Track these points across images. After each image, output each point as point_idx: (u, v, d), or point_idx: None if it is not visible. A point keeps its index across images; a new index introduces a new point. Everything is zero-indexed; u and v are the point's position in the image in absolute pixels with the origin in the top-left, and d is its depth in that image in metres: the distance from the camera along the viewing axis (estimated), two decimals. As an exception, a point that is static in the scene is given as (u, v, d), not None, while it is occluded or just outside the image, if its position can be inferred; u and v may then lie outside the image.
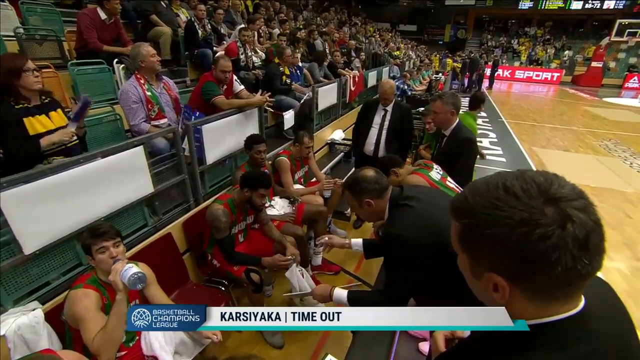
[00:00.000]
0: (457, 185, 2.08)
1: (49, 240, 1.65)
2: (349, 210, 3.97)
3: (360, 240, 1.82)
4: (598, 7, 20.33)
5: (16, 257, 1.55)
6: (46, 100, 1.95)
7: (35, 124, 1.86)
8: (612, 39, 18.10)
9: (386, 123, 3.19)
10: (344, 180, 1.57)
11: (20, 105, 1.82)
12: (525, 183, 0.50)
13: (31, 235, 1.57)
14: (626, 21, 17.88)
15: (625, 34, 17.92)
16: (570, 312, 0.51)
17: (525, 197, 0.49)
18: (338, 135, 5.17)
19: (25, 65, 1.80)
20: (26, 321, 1.54)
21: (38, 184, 1.57)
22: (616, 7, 19.75)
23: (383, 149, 3.27)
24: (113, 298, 1.46)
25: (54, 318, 1.63)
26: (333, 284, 1.78)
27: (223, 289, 2.37)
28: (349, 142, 5.20)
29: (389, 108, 3.19)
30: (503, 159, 6.39)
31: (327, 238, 1.90)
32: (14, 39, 3.16)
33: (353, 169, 4.80)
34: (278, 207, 2.97)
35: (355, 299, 1.48)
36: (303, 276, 2.36)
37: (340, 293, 1.50)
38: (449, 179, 2.06)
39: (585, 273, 0.47)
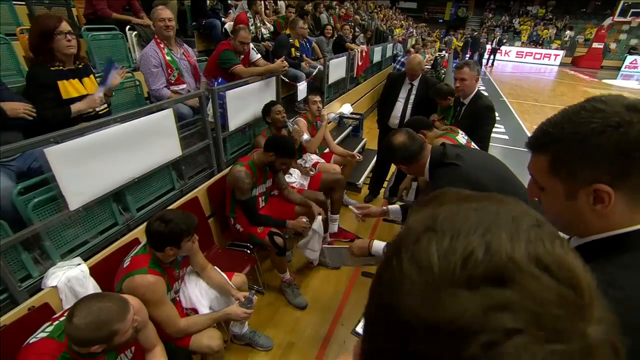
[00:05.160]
0: (480, 151, 2.14)
1: (91, 197, 1.69)
2: (360, 181, 4.05)
3: (397, 207, 1.84)
4: (602, -15, 20.16)
5: (62, 212, 1.59)
6: (80, 65, 1.94)
7: (69, 88, 1.86)
8: (615, 19, 17.89)
9: (412, 97, 3.20)
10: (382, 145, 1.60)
11: (55, 68, 1.80)
12: (601, 101, 0.57)
13: (75, 192, 1.60)
14: (630, 0, 17.60)
15: (629, 14, 17.68)
16: None
17: (609, 107, 0.56)
18: (346, 109, 5.16)
19: (58, 28, 1.77)
20: (74, 274, 1.60)
21: (79, 141, 1.60)
22: (620, -14, 19.57)
23: None
24: (172, 280, 1.68)
25: (95, 273, 1.70)
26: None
27: (248, 252, 2.45)
28: (358, 116, 5.23)
29: (416, 82, 3.18)
30: (506, 137, 6.47)
31: (356, 210, 1.90)
32: (24, 3, 3.07)
33: (362, 142, 4.87)
34: (296, 175, 3.03)
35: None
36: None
37: (379, 245, 1.57)
38: (473, 143, 2.11)
39: None
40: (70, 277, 1.58)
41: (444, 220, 0.27)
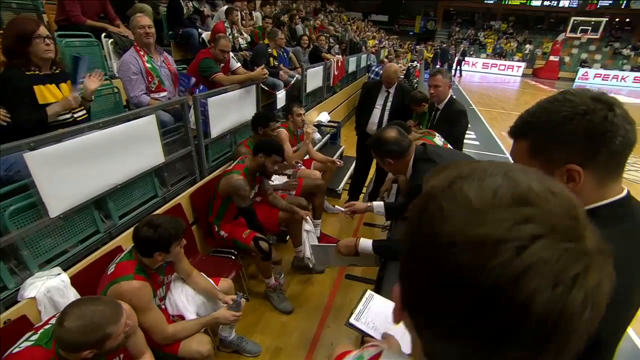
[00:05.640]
0: (455, 152, 2.27)
1: (72, 203, 1.64)
2: (340, 187, 4.13)
3: (381, 203, 1.93)
4: (555, 4, 22.21)
5: (42, 220, 1.54)
6: (57, 71, 1.89)
7: (46, 93, 1.81)
8: (567, 35, 19.38)
9: (389, 104, 3.32)
10: (369, 139, 1.66)
11: (31, 72, 1.76)
12: (570, 93, 0.67)
13: (56, 198, 1.56)
14: (579, 19, 19.23)
15: (579, 30, 19.25)
16: (618, 197, 0.68)
17: (577, 98, 0.65)
18: (324, 117, 5.27)
19: (37, 32, 1.73)
20: (54, 284, 1.54)
21: (61, 146, 1.56)
22: (570, 5, 21.58)
23: None
24: (156, 287, 1.66)
25: (77, 283, 1.65)
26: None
27: (233, 257, 2.44)
28: (335, 124, 5.34)
29: (392, 90, 3.31)
30: (477, 142, 6.80)
31: (343, 208, 2.01)
32: (-10, 8, 2.95)
33: (340, 150, 4.97)
34: (277, 180, 3.05)
35: (379, 247, 1.62)
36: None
37: (366, 242, 1.63)
38: (449, 145, 2.24)
39: (630, 144, 0.64)
40: (50, 288, 1.52)
41: (468, 171, 0.33)
